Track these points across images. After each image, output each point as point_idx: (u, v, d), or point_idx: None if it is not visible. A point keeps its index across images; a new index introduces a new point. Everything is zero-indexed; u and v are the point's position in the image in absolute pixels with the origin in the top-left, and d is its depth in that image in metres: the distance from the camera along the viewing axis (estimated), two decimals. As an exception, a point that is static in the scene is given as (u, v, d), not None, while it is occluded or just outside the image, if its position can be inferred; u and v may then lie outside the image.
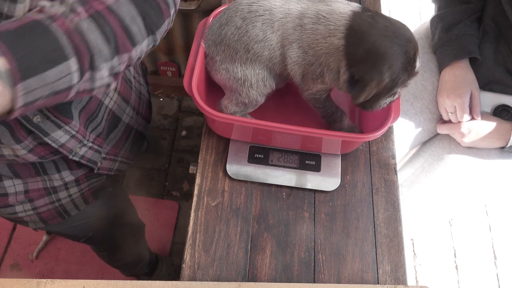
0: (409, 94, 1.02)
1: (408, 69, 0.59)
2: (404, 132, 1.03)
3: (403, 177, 1.08)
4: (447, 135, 1.01)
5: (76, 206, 0.83)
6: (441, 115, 1.01)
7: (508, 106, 0.95)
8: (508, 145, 0.91)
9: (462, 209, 1.04)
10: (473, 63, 0.96)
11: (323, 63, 0.62)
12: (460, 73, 0.94)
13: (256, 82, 0.67)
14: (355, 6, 0.60)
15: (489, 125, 0.92)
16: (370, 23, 0.57)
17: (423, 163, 1.04)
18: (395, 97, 0.66)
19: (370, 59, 0.57)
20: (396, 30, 0.57)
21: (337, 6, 0.61)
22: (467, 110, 0.92)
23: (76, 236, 0.96)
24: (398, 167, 1.08)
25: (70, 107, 0.63)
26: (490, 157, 0.96)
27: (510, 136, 0.90)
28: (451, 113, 0.95)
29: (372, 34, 0.57)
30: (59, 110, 0.61)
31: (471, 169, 0.97)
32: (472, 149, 0.97)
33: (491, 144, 0.94)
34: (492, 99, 0.97)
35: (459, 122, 0.94)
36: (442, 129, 0.99)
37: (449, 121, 0.98)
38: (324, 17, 0.60)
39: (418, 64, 0.60)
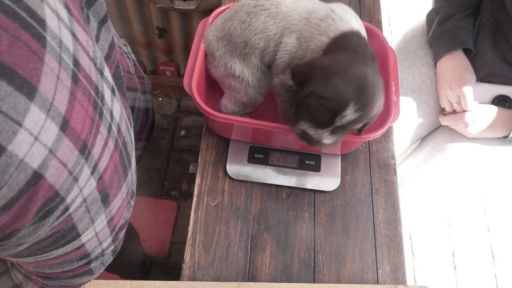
0: (407, 89, 1.03)
1: (325, 121, 0.55)
2: (403, 127, 1.04)
3: (405, 170, 1.08)
4: (449, 127, 1.02)
5: None
6: (440, 109, 1.03)
7: (507, 97, 0.96)
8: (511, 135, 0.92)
9: (463, 200, 1.05)
10: (468, 55, 0.98)
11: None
12: (457, 63, 0.96)
13: (252, 80, 0.67)
14: (358, 27, 0.59)
15: (493, 114, 0.94)
16: (352, 49, 0.56)
17: (425, 155, 1.05)
18: (311, 132, 0.57)
19: (323, 76, 0.54)
20: (353, 78, 0.53)
21: (350, 19, 0.60)
22: (472, 97, 0.94)
23: None
24: (398, 162, 1.09)
25: None
26: (492, 145, 0.97)
27: None
28: (456, 103, 0.96)
29: (339, 61, 0.55)
30: None
31: (473, 158, 0.98)
32: (474, 139, 0.98)
33: (495, 134, 0.95)
34: (490, 90, 0.98)
35: (463, 112, 0.95)
36: (446, 121, 1.00)
37: (451, 113, 0.99)
38: (333, 18, 0.59)
39: (337, 122, 0.55)
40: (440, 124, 1.07)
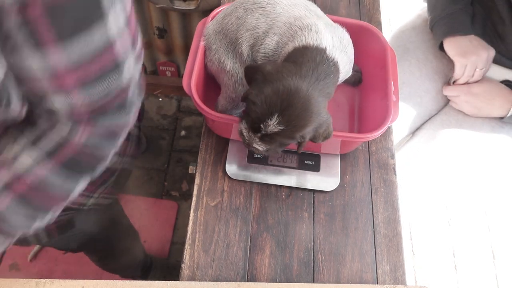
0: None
1: (255, 126, 0.56)
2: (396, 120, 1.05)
3: (397, 160, 1.09)
4: (439, 118, 1.03)
5: (39, 239, 0.77)
6: (431, 98, 1.04)
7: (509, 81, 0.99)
8: (508, 115, 0.93)
9: (457, 187, 1.05)
10: None
11: None
12: (477, 39, 0.97)
13: (241, 79, 0.67)
14: (328, 45, 0.58)
15: (495, 90, 0.96)
16: (300, 63, 0.55)
17: (416, 145, 1.06)
18: (245, 133, 0.59)
19: (260, 82, 0.55)
20: (282, 91, 0.53)
21: (325, 35, 0.59)
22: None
23: (58, 248, 0.93)
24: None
25: None
26: (483, 131, 0.99)
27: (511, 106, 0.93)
28: (481, 68, 0.96)
29: (282, 74, 0.54)
30: None
31: (463, 144, 0.99)
32: (464, 125, 1.00)
33: (493, 111, 0.96)
34: (498, 72, 1.00)
35: (468, 84, 0.97)
36: (448, 91, 1.01)
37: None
38: (311, 30, 0.59)
39: (262, 130, 0.55)
40: (432, 115, 1.08)
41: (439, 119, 1.04)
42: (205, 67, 0.72)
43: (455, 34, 0.97)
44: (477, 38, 0.96)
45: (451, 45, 0.99)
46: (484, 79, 0.98)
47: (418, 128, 1.10)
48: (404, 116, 1.05)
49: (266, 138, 0.56)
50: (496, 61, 0.98)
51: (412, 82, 1.04)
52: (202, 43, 0.70)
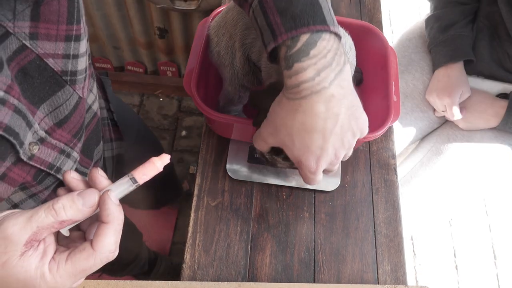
0: (400, 94, 1.03)
1: (278, 151, 0.56)
2: (396, 131, 1.04)
3: (401, 173, 1.08)
4: (445, 130, 1.03)
5: None
6: (432, 113, 1.04)
7: (507, 94, 0.98)
8: (501, 121, 0.94)
9: (462, 202, 1.05)
10: (468, 62, 0.98)
11: None
12: (454, 74, 0.96)
13: (238, 73, 0.67)
14: None
15: (488, 100, 0.96)
16: None
17: (422, 158, 1.05)
18: (267, 156, 0.60)
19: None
20: None
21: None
22: (457, 109, 0.96)
23: None
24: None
25: None
26: (489, 142, 0.99)
27: (503, 114, 0.93)
28: (443, 111, 0.99)
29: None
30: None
31: (470, 159, 0.99)
32: (471, 140, 1.00)
33: (487, 122, 0.97)
34: (494, 86, 1.00)
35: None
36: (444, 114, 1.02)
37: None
38: None
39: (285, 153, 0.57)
40: (435, 127, 1.07)
41: (445, 132, 1.03)
42: (206, 66, 0.72)
43: (446, 64, 0.97)
44: (459, 77, 0.96)
45: (433, 77, 1.00)
46: (474, 92, 0.98)
47: (421, 140, 1.10)
48: (405, 130, 1.05)
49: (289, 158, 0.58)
50: (503, 78, 0.97)
51: (416, 95, 1.03)
52: (206, 32, 0.70)
